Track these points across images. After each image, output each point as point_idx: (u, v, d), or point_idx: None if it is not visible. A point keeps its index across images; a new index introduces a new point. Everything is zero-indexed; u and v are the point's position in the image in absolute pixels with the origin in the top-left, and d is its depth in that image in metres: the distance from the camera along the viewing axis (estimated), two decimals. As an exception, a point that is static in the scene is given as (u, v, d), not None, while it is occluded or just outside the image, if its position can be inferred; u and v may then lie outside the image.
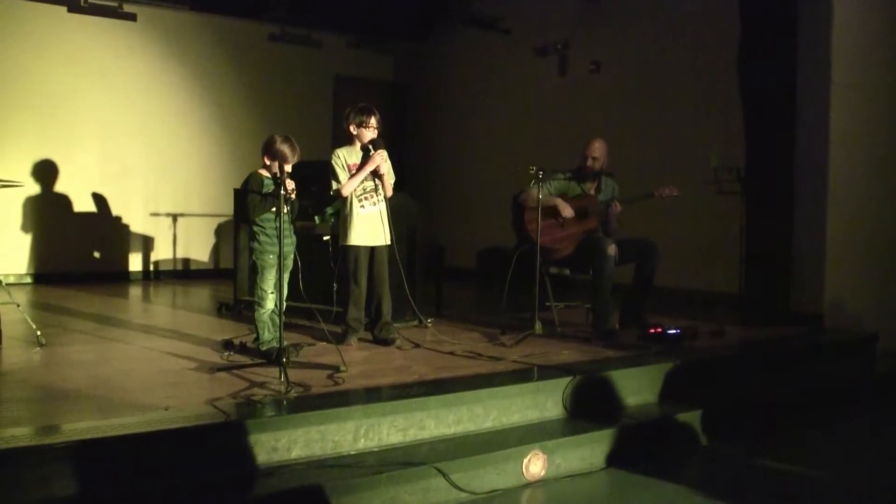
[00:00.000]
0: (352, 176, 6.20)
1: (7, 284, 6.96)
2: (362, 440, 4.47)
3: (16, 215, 10.55)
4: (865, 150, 7.98)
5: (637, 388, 5.70)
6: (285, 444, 4.23)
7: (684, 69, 9.53)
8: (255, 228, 5.76)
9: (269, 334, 5.81)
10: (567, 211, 7.12)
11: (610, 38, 10.49)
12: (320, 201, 7.02)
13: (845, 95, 7.78)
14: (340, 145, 6.41)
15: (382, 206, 6.31)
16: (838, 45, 7.72)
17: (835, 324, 7.70)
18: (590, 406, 5.34)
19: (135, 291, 10.34)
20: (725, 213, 8.33)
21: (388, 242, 6.33)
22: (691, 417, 5.55)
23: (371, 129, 6.27)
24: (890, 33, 8.21)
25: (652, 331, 6.76)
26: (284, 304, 5.49)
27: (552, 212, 7.08)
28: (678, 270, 8.74)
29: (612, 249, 6.89)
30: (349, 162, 6.26)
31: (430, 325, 6.87)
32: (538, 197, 6.79)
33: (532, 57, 11.35)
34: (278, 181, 5.29)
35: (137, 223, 11.46)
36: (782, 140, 7.84)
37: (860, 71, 7.92)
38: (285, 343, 5.23)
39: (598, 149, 7.29)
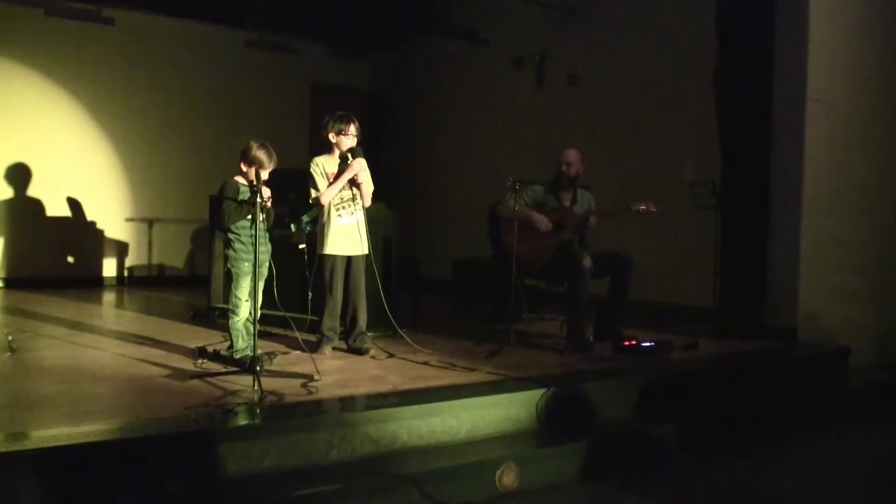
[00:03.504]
0: (330, 184, 6.19)
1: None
2: (335, 450, 4.45)
3: (-12, 219, 10.48)
4: (840, 166, 8.03)
5: (611, 400, 5.69)
6: (258, 454, 4.20)
7: (661, 82, 9.57)
8: (231, 236, 5.73)
9: (243, 342, 5.78)
10: (543, 224, 7.12)
11: (587, 51, 10.53)
12: (296, 209, 7.00)
13: (821, 111, 7.82)
14: (318, 153, 6.39)
15: (360, 215, 6.30)
16: (814, 61, 7.76)
17: (808, 338, 7.72)
18: (563, 418, 5.32)
19: (108, 297, 10.28)
20: (700, 227, 8.36)
21: (366, 252, 6.32)
22: (665, 431, 5.56)
23: (350, 136, 6.26)
24: (866, 51, 8.28)
25: (626, 344, 6.78)
26: (259, 312, 5.48)
27: (528, 224, 7.08)
28: (653, 283, 8.76)
29: (587, 262, 6.90)
30: (328, 170, 6.24)
31: (404, 335, 6.85)
32: (514, 208, 6.80)
33: (509, 68, 11.38)
34: (254, 189, 5.28)
35: (112, 228, 11.40)
36: (757, 154, 7.88)
37: (836, 87, 7.97)
38: (259, 351, 5.22)
39: (572, 155, 7.31)
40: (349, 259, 6.34)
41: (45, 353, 6.20)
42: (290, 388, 5.04)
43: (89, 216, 11.22)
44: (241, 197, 5.63)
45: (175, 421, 4.33)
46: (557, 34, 10.86)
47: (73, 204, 11.09)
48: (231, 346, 5.83)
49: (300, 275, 6.31)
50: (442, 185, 12.60)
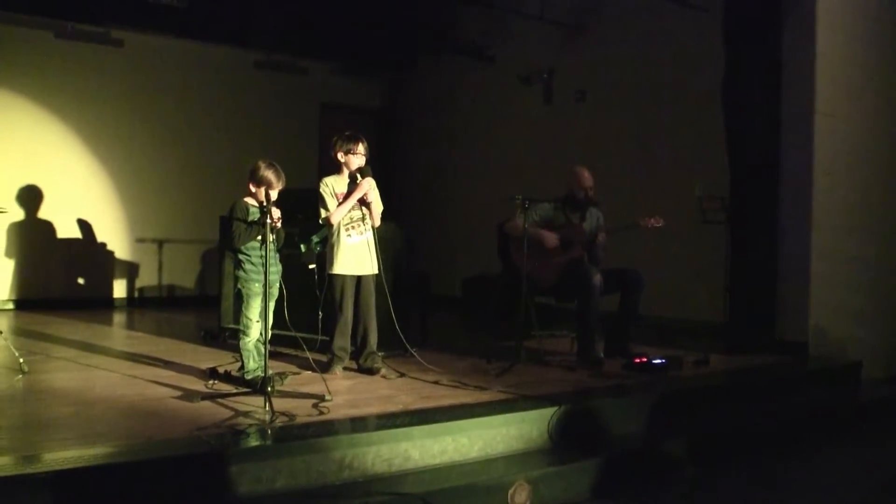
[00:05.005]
0: (340, 204, 6.19)
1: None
2: (347, 470, 4.44)
3: (-1, 241, 10.52)
4: (849, 179, 8.03)
5: (622, 417, 5.69)
6: (270, 474, 4.20)
7: (669, 97, 9.57)
8: (241, 256, 5.73)
9: (254, 363, 5.77)
10: (551, 241, 7.12)
11: (595, 67, 10.54)
12: (306, 229, 7.02)
13: (829, 125, 7.83)
14: (327, 173, 6.40)
15: (369, 235, 6.30)
16: (821, 75, 7.77)
17: (819, 352, 7.71)
18: (575, 436, 5.32)
19: (119, 318, 10.29)
20: (710, 242, 8.36)
21: (375, 272, 6.32)
22: (676, 447, 5.55)
23: (359, 156, 6.27)
24: (873, 65, 8.29)
25: (637, 360, 6.76)
26: (269, 332, 5.47)
27: (537, 241, 7.08)
28: (663, 299, 8.74)
29: (596, 279, 6.89)
30: (337, 190, 6.24)
31: (415, 353, 6.84)
32: (523, 227, 6.79)
33: (517, 85, 11.39)
34: (264, 209, 5.29)
35: (122, 249, 11.43)
36: (766, 169, 7.88)
37: (843, 101, 7.98)
38: (270, 372, 5.21)
39: (589, 178, 7.32)
40: (359, 278, 6.34)
41: (57, 375, 6.22)
42: (301, 409, 5.03)
43: (99, 237, 11.25)
44: (250, 218, 5.63)
45: (186, 442, 4.34)
46: (565, 51, 10.88)
47: (84, 225, 11.13)
48: (242, 367, 5.83)
49: (311, 295, 6.32)
50: (451, 203, 12.62)
